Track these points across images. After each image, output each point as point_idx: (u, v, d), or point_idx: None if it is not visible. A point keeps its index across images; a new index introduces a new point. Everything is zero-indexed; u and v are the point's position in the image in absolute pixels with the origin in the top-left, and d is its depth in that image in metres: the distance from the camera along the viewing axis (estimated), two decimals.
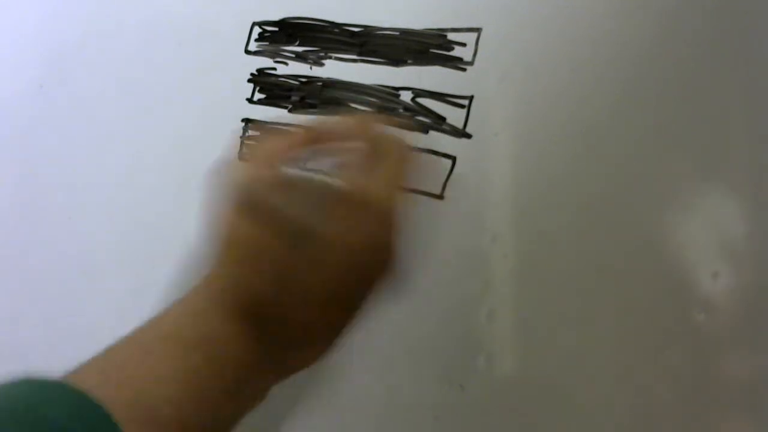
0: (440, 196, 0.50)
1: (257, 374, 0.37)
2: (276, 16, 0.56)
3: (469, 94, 0.51)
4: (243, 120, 0.55)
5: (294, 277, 0.36)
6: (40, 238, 0.58)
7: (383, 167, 0.39)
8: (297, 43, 0.55)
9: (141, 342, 0.36)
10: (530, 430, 0.47)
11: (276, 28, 0.56)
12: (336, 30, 0.55)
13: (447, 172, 0.50)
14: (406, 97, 0.52)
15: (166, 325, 0.36)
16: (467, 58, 0.51)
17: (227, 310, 0.36)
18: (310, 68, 0.55)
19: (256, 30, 0.56)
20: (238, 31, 0.57)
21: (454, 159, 0.50)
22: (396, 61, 0.53)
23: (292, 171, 0.39)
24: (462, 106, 0.51)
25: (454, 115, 0.51)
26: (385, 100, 0.52)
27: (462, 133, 0.50)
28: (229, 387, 0.36)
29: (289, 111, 0.54)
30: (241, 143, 0.55)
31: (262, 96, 0.55)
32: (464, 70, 0.51)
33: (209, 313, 0.37)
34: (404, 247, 0.38)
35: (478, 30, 0.51)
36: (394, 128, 0.41)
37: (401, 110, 0.52)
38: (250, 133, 0.55)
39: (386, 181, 0.39)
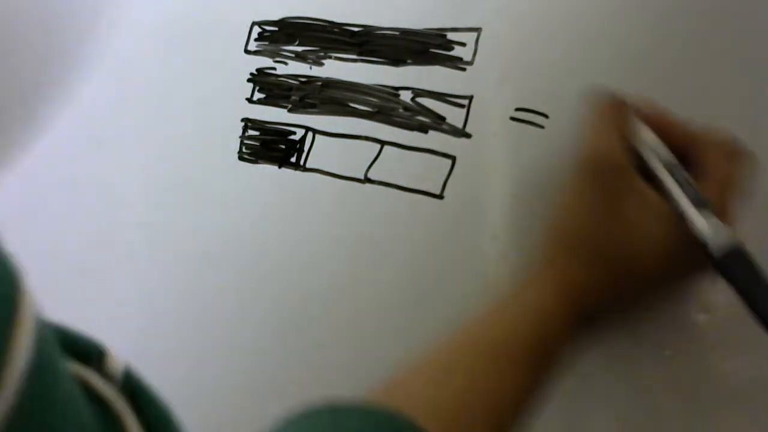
0: (440, 196, 0.50)
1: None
2: (276, 16, 0.56)
3: (468, 93, 0.51)
4: (243, 120, 0.55)
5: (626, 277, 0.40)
6: (39, 237, 0.58)
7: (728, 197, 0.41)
8: (297, 42, 0.55)
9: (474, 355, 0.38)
10: (529, 430, 0.47)
11: (276, 28, 0.56)
12: (336, 30, 0.55)
13: (447, 172, 0.50)
14: (405, 96, 0.52)
15: (508, 337, 0.39)
16: (467, 57, 0.51)
17: (571, 320, 0.40)
18: (310, 68, 0.55)
19: (256, 29, 0.56)
20: (237, 31, 0.57)
21: (454, 159, 0.50)
22: (396, 60, 0.53)
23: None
24: (462, 106, 0.51)
25: (453, 115, 0.51)
26: (384, 99, 0.52)
27: (462, 133, 0.50)
28: (545, 382, 0.39)
29: (289, 111, 0.54)
30: (241, 143, 0.55)
31: (262, 96, 0.55)
32: (464, 69, 0.51)
33: (559, 325, 0.39)
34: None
35: (478, 30, 0.51)
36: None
37: (401, 110, 0.52)
38: (250, 132, 0.55)
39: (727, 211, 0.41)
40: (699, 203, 0.39)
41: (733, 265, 0.36)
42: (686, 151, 0.42)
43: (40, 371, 0.20)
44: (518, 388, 0.38)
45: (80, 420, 0.23)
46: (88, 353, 0.25)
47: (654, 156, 0.42)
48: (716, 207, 0.39)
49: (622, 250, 0.40)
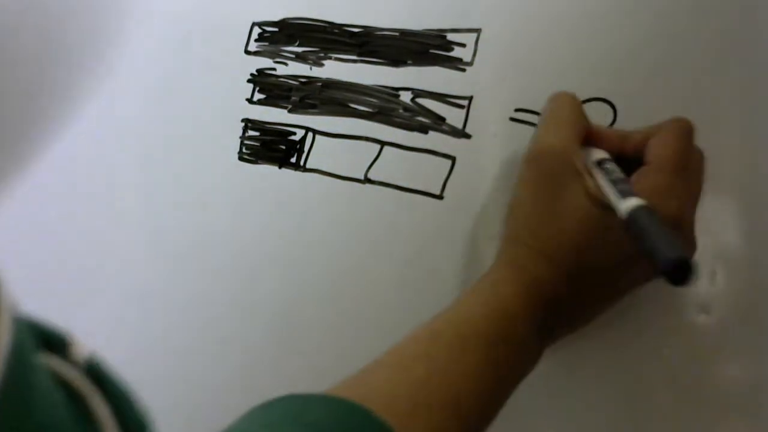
0: (440, 197, 0.50)
1: (537, 355, 0.41)
2: (276, 17, 0.56)
3: (468, 94, 0.51)
4: (243, 120, 0.55)
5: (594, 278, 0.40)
6: (39, 237, 0.58)
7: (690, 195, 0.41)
8: (297, 43, 0.55)
9: (440, 339, 0.39)
10: (528, 430, 0.47)
11: (276, 29, 0.56)
12: (336, 30, 0.55)
13: (447, 172, 0.50)
14: (405, 97, 0.52)
15: (466, 325, 0.39)
16: (467, 58, 0.51)
17: (530, 309, 0.40)
18: (310, 68, 0.55)
19: (256, 30, 0.57)
20: (237, 31, 0.57)
21: (453, 159, 0.50)
22: (396, 61, 0.53)
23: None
24: (461, 107, 0.51)
25: (453, 116, 0.51)
26: (384, 100, 0.52)
27: (461, 134, 0.51)
28: (515, 377, 0.40)
29: (289, 111, 0.54)
30: (241, 143, 0.55)
31: (262, 96, 0.55)
32: (464, 70, 0.51)
33: (515, 313, 0.40)
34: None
35: (477, 30, 0.51)
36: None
37: (401, 110, 0.52)
38: (250, 133, 0.55)
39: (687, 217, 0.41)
40: (617, 182, 0.39)
41: (638, 222, 0.36)
42: (639, 154, 0.42)
43: (18, 358, 0.21)
44: (479, 377, 0.38)
45: (54, 403, 0.24)
46: (54, 341, 0.26)
47: (589, 151, 0.43)
48: (654, 188, 0.39)
49: (561, 238, 0.40)
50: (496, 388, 0.39)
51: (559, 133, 0.42)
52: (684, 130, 0.41)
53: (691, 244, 0.42)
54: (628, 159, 0.43)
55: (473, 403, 0.37)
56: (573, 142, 0.42)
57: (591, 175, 0.41)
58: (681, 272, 0.34)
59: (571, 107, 0.44)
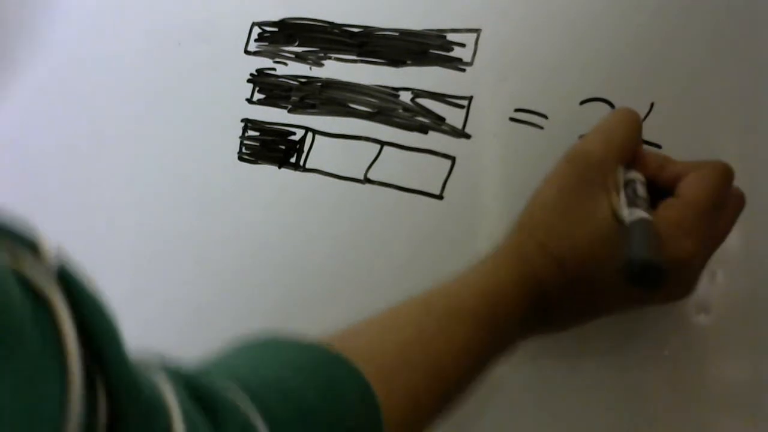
0: (440, 196, 0.50)
1: (512, 346, 0.42)
2: (276, 17, 0.56)
3: (468, 94, 0.51)
4: (243, 120, 0.55)
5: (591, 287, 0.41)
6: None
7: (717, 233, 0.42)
8: (296, 43, 0.55)
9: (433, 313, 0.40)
10: (529, 430, 0.47)
11: (276, 29, 0.56)
12: (335, 30, 0.55)
13: (447, 172, 0.50)
14: (405, 97, 0.52)
15: (459, 299, 0.40)
16: (467, 58, 0.51)
17: (522, 299, 0.40)
18: (310, 68, 0.55)
19: (256, 30, 0.57)
20: (237, 31, 0.57)
21: (453, 159, 0.50)
22: (395, 61, 0.53)
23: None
24: (461, 107, 0.51)
25: (453, 116, 0.51)
26: (384, 100, 0.52)
27: (461, 134, 0.51)
28: (491, 360, 0.40)
29: (289, 111, 0.54)
30: (241, 143, 0.55)
31: (262, 96, 0.55)
32: (463, 70, 0.51)
33: (507, 299, 0.40)
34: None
35: (477, 31, 0.51)
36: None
37: (401, 110, 0.52)
38: (250, 133, 0.55)
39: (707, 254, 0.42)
40: (636, 199, 0.40)
41: (634, 231, 0.38)
42: (672, 186, 0.43)
43: None
44: (464, 349, 0.39)
45: (10, 299, 0.22)
46: (22, 241, 0.25)
47: (627, 170, 0.43)
48: (675, 223, 0.39)
49: (574, 244, 0.41)
50: (476, 365, 0.40)
51: (607, 144, 0.42)
52: (723, 174, 0.41)
53: (690, 285, 0.42)
54: (660, 187, 0.43)
55: (454, 373, 0.39)
56: (616, 157, 0.42)
57: (618, 192, 0.41)
58: (646, 274, 0.35)
59: (628, 126, 0.43)
